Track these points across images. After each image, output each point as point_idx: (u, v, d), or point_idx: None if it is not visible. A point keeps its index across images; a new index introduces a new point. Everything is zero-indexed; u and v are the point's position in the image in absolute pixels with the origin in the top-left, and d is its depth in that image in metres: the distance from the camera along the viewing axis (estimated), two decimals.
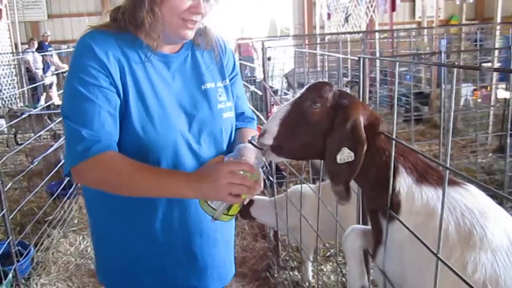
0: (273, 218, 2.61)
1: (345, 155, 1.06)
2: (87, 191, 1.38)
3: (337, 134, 1.08)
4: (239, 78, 1.51)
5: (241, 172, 1.11)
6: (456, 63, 5.66)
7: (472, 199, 1.06)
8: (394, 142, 1.00)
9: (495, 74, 5.22)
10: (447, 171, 0.78)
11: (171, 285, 1.40)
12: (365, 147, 1.06)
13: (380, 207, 1.11)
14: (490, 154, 4.58)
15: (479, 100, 6.06)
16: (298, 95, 1.17)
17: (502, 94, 5.37)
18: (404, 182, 1.08)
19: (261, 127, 1.22)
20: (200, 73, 1.34)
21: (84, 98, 1.15)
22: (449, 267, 0.80)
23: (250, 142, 1.16)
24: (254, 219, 2.83)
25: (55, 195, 3.70)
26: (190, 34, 1.25)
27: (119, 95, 1.18)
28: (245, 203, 1.20)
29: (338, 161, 1.06)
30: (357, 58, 1.17)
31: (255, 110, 3.84)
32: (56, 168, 3.70)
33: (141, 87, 1.20)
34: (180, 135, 1.25)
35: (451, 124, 0.83)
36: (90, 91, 1.15)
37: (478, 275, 0.97)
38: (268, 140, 1.15)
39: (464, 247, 0.99)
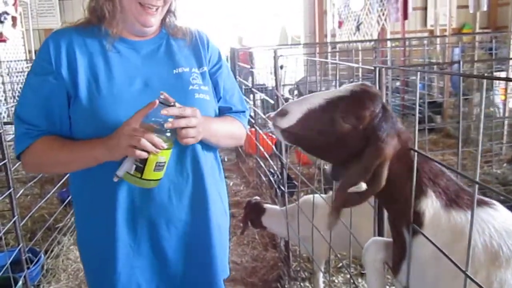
0: (284, 228, 2.58)
1: (361, 187, 1.04)
2: (72, 195, 1.42)
3: (361, 168, 1.02)
4: (227, 71, 1.50)
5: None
6: (468, 72, 5.61)
7: (500, 219, 1.02)
8: (415, 153, 0.96)
9: (510, 83, 5.14)
10: (476, 186, 0.75)
11: None
12: (379, 189, 1.03)
13: (404, 223, 1.07)
14: (504, 165, 4.50)
15: (491, 109, 5.97)
16: (340, 91, 1.07)
17: None
18: (431, 205, 1.04)
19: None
20: (174, 59, 1.37)
21: (27, 93, 1.28)
22: (476, 283, 0.76)
23: (161, 102, 1.16)
24: (265, 229, 2.81)
25: (66, 202, 3.70)
26: (151, 20, 1.28)
27: (67, 83, 1.25)
28: (157, 166, 1.17)
29: (348, 189, 1.04)
30: (372, 68, 1.14)
31: (266, 118, 3.83)
32: (67, 175, 3.70)
33: (96, 72, 1.27)
34: (136, 110, 1.21)
35: (480, 137, 0.80)
36: (33, 86, 1.28)
37: None
38: (285, 124, 1.07)
39: (490, 268, 0.96)
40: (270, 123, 1.12)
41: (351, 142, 1.04)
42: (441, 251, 0.86)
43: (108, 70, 1.28)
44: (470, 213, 0.99)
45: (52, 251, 3.28)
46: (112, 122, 1.22)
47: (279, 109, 1.10)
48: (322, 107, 1.05)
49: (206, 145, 1.39)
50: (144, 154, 1.13)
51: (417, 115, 0.93)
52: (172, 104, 1.18)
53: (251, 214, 2.77)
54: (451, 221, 1.02)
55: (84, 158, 1.24)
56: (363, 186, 1.09)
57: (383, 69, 1.10)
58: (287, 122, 1.07)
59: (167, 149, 1.18)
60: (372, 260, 1.20)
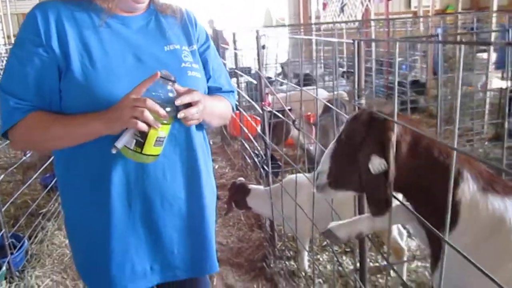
0: (269, 208, 2.60)
1: (376, 163, 1.00)
2: (58, 176, 1.38)
3: (366, 143, 1.05)
4: (214, 51, 1.50)
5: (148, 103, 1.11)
6: (451, 53, 5.64)
7: None
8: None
9: (491, 63, 5.19)
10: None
11: (137, 272, 1.35)
12: (394, 149, 1.00)
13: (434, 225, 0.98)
14: (486, 143, 4.57)
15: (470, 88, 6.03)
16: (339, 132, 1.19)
17: (498, 83, 5.35)
18: (467, 190, 1.01)
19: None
20: (164, 36, 1.35)
21: (15, 67, 1.22)
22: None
23: (161, 77, 1.16)
24: (250, 209, 2.82)
25: (49, 187, 3.67)
26: None
27: (58, 56, 1.21)
28: (156, 141, 1.17)
29: (372, 171, 1.01)
30: (351, 41, 1.14)
31: (250, 100, 3.81)
32: (50, 160, 3.66)
33: (89, 45, 1.23)
34: (133, 86, 1.20)
35: (458, 103, 0.80)
36: (21, 59, 1.22)
37: None
38: (324, 179, 1.18)
39: None
40: (318, 193, 1.24)
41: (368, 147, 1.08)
42: (466, 258, 0.78)
43: (100, 44, 1.25)
44: (508, 200, 0.97)
45: (36, 236, 3.25)
46: (106, 96, 1.20)
47: (314, 179, 1.24)
48: (335, 146, 1.18)
49: (198, 124, 1.39)
50: (145, 127, 1.12)
51: (396, 84, 0.93)
52: (173, 79, 1.18)
53: (236, 195, 2.78)
54: (489, 207, 0.99)
55: (80, 132, 1.20)
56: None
57: (362, 42, 1.10)
58: (323, 174, 1.18)
59: (166, 124, 1.18)
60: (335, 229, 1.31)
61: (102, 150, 1.21)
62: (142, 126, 1.11)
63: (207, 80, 1.47)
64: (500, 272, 0.90)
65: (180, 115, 1.19)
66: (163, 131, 1.18)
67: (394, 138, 1.00)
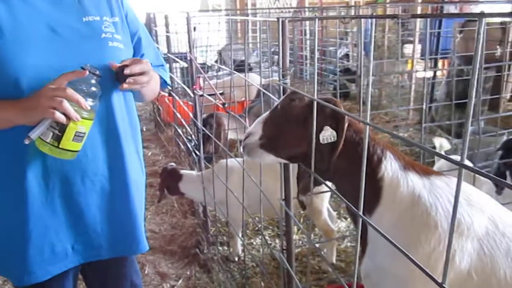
0: (201, 193, 2.57)
1: (328, 134, 1.06)
2: None
3: (319, 116, 1.07)
4: (143, 29, 1.49)
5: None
6: (380, 42, 5.88)
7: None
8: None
9: (417, 52, 5.46)
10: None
11: (57, 254, 1.29)
12: (346, 124, 1.07)
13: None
14: (411, 129, 4.82)
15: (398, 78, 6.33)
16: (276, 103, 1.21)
17: (421, 74, 5.65)
18: (390, 167, 1.06)
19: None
20: (83, 7, 1.29)
21: None
22: (419, 266, 0.71)
23: (83, 68, 1.11)
24: (183, 195, 2.77)
25: None
26: None
27: None
28: (74, 136, 1.13)
29: (321, 140, 1.06)
30: (276, 19, 1.12)
31: (183, 85, 3.73)
32: None
33: None
34: (47, 58, 1.15)
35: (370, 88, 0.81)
36: None
37: (465, 265, 0.97)
38: (255, 137, 1.18)
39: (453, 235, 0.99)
40: (245, 156, 1.24)
41: (307, 113, 1.12)
42: (385, 237, 0.77)
43: (10, 14, 1.15)
44: (425, 179, 1.04)
45: None
46: (18, 68, 1.11)
47: (243, 139, 1.22)
48: (271, 111, 1.20)
49: (125, 100, 1.36)
50: (63, 118, 1.05)
51: (316, 64, 0.93)
52: (98, 74, 1.14)
53: (167, 181, 2.72)
54: (409, 184, 1.04)
55: None
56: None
57: (286, 20, 1.09)
58: (256, 135, 1.18)
59: (88, 119, 1.12)
60: None
61: (15, 136, 1.13)
62: (60, 116, 1.05)
63: (140, 58, 1.42)
64: (421, 247, 0.95)
65: (129, 80, 1.19)
66: (84, 126, 1.12)
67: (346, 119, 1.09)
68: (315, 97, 0.99)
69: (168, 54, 4.04)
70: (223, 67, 3.53)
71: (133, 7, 1.50)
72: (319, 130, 1.08)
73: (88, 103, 1.10)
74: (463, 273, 0.97)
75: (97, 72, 1.13)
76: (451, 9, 6.28)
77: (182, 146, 4.14)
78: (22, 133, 1.10)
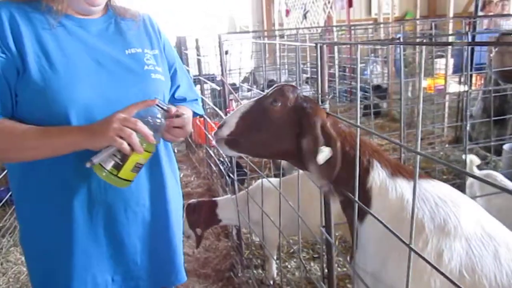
0: (240, 217, 2.53)
1: (325, 154, 1.06)
2: (14, 190, 1.29)
3: (311, 137, 1.08)
4: (179, 62, 1.51)
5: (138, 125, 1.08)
6: (411, 58, 5.79)
7: (444, 190, 1.06)
8: (358, 129, 0.95)
9: (450, 67, 5.35)
10: (418, 156, 0.75)
11: (98, 285, 1.29)
12: (339, 142, 1.07)
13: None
14: (446, 145, 4.69)
15: (435, 95, 6.21)
16: (264, 93, 1.19)
17: (455, 88, 5.53)
18: (377, 177, 1.07)
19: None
20: (125, 39, 1.32)
21: None
22: (422, 257, 0.76)
23: (157, 104, 1.15)
24: (219, 223, 2.70)
25: (3, 201, 3.48)
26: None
27: (15, 57, 1.13)
28: (136, 167, 1.14)
29: (319, 162, 1.06)
30: (314, 44, 1.12)
31: (214, 107, 3.76)
32: (4, 173, 3.47)
33: (45, 46, 1.16)
34: (94, 90, 1.17)
35: (421, 104, 0.79)
36: None
37: (454, 263, 0.97)
38: (225, 132, 1.18)
39: (439, 235, 0.99)
40: (214, 142, 1.24)
41: (287, 123, 1.13)
42: (387, 228, 0.85)
43: (58, 46, 1.18)
44: (413, 182, 1.03)
45: None
46: (65, 100, 1.14)
47: (217, 127, 1.22)
48: (252, 106, 1.18)
49: None
50: (128, 150, 1.08)
51: (359, 83, 0.92)
52: (166, 109, 1.17)
53: (203, 214, 2.61)
54: (398, 190, 1.06)
55: (58, 142, 1.12)
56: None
57: (324, 45, 1.08)
58: (227, 129, 1.18)
59: (148, 151, 1.14)
60: None
61: (63, 161, 1.15)
62: (126, 148, 1.07)
63: (176, 90, 1.47)
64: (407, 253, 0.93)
65: (168, 136, 1.23)
66: (144, 158, 1.14)
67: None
68: (358, 123, 0.97)
69: (199, 77, 4.10)
70: (254, 89, 3.55)
71: (166, 33, 1.52)
72: (315, 151, 1.08)
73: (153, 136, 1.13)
74: (453, 273, 0.96)
75: (165, 107, 1.17)
76: (484, 22, 6.16)
77: (214, 168, 4.16)
78: (69, 161, 1.13)
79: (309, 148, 1.09)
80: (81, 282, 1.26)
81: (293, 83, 1.24)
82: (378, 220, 0.94)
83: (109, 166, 1.09)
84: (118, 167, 1.10)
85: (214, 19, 11.11)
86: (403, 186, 1.07)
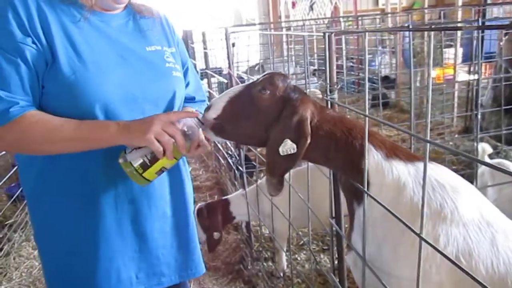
0: (251, 210, 2.53)
1: (287, 147, 1.06)
2: (29, 184, 1.28)
3: (282, 126, 1.08)
4: (190, 61, 1.52)
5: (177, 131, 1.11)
6: (419, 48, 5.73)
7: (443, 175, 1.05)
8: (366, 118, 0.94)
9: (459, 56, 5.29)
10: (428, 145, 0.74)
11: (123, 281, 1.30)
12: (308, 141, 1.06)
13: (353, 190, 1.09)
14: (456, 136, 4.65)
15: (444, 85, 6.15)
16: (253, 79, 1.17)
17: (464, 77, 5.46)
18: (373, 159, 1.06)
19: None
20: (144, 36, 1.32)
21: (2, 62, 1.08)
22: (424, 239, 0.77)
23: (197, 117, 1.17)
24: (234, 219, 2.67)
25: (14, 197, 3.52)
26: None
27: (45, 48, 1.11)
28: (162, 170, 1.16)
29: (281, 152, 1.06)
30: (321, 34, 1.10)
31: None
32: (14, 169, 3.51)
33: (73, 39, 1.15)
34: (119, 84, 1.18)
35: (429, 92, 0.78)
36: (7, 50, 1.08)
37: (451, 248, 0.96)
38: (212, 115, 1.17)
39: (435, 220, 0.98)
40: (198, 129, 1.21)
41: (273, 112, 1.12)
42: (387, 209, 0.85)
43: (84, 39, 1.17)
44: (410, 165, 1.04)
45: (1, 249, 3.11)
46: (93, 93, 1.13)
47: (205, 110, 1.21)
48: (241, 91, 1.16)
49: None
50: (161, 154, 1.10)
51: (367, 72, 0.90)
52: (202, 127, 1.20)
53: (218, 215, 2.56)
54: (394, 173, 1.05)
55: (94, 137, 1.11)
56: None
57: (332, 34, 1.07)
58: (213, 112, 1.16)
59: (176, 159, 1.18)
60: None
61: (85, 155, 1.17)
62: (161, 153, 1.10)
63: (186, 88, 1.47)
64: (407, 233, 0.94)
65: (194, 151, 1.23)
66: (171, 164, 1.17)
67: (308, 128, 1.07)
68: (366, 113, 0.96)
69: (206, 70, 4.09)
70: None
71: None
72: (280, 141, 1.08)
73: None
74: (450, 257, 0.95)
75: (202, 123, 1.19)
76: (494, 11, 6.07)
77: (222, 161, 4.16)
78: (92, 155, 1.15)
79: (274, 136, 1.09)
80: (105, 276, 1.27)
81: (301, 75, 1.23)
82: (378, 202, 0.94)
83: (137, 164, 1.12)
84: (145, 167, 1.13)
85: (220, 12, 11.08)
86: (400, 168, 1.05)
